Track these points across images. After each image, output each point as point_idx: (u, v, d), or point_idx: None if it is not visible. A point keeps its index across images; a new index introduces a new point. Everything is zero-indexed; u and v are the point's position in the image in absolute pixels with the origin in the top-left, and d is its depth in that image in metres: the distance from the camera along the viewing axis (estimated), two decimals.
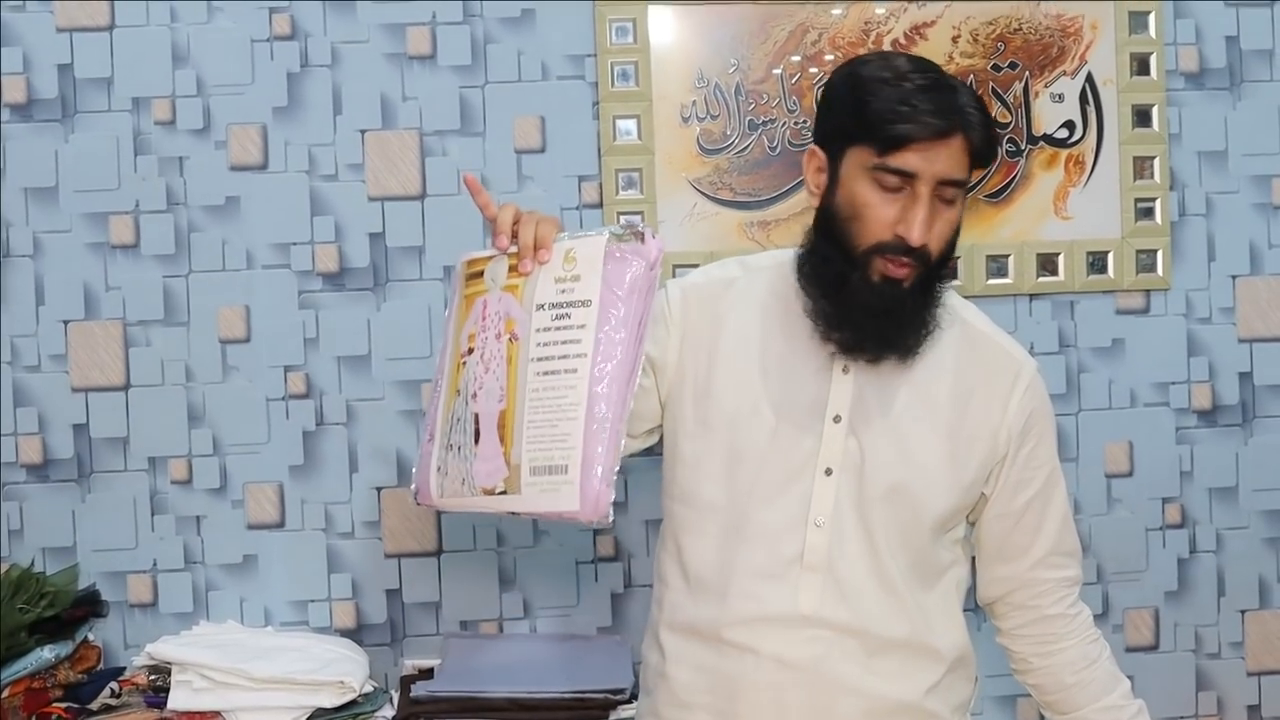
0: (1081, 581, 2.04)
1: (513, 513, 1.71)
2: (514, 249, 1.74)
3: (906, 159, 1.78)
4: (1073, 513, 2.93)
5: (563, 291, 1.69)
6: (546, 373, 1.68)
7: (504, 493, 1.68)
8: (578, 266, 1.70)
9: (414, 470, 1.81)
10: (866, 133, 1.79)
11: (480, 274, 1.75)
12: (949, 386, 1.92)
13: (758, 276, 1.98)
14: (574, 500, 1.65)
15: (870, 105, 1.79)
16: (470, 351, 1.73)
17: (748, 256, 2.07)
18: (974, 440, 1.92)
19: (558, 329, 1.69)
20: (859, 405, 1.89)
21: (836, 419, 1.88)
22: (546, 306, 1.69)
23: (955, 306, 1.97)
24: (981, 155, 1.84)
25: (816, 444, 1.88)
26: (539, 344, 1.69)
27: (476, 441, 1.70)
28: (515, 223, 1.75)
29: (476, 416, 1.70)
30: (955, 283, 2.89)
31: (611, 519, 1.67)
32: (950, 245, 1.86)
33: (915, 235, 1.78)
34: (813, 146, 1.89)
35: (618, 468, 1.67)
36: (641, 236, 1.70)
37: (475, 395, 1.71)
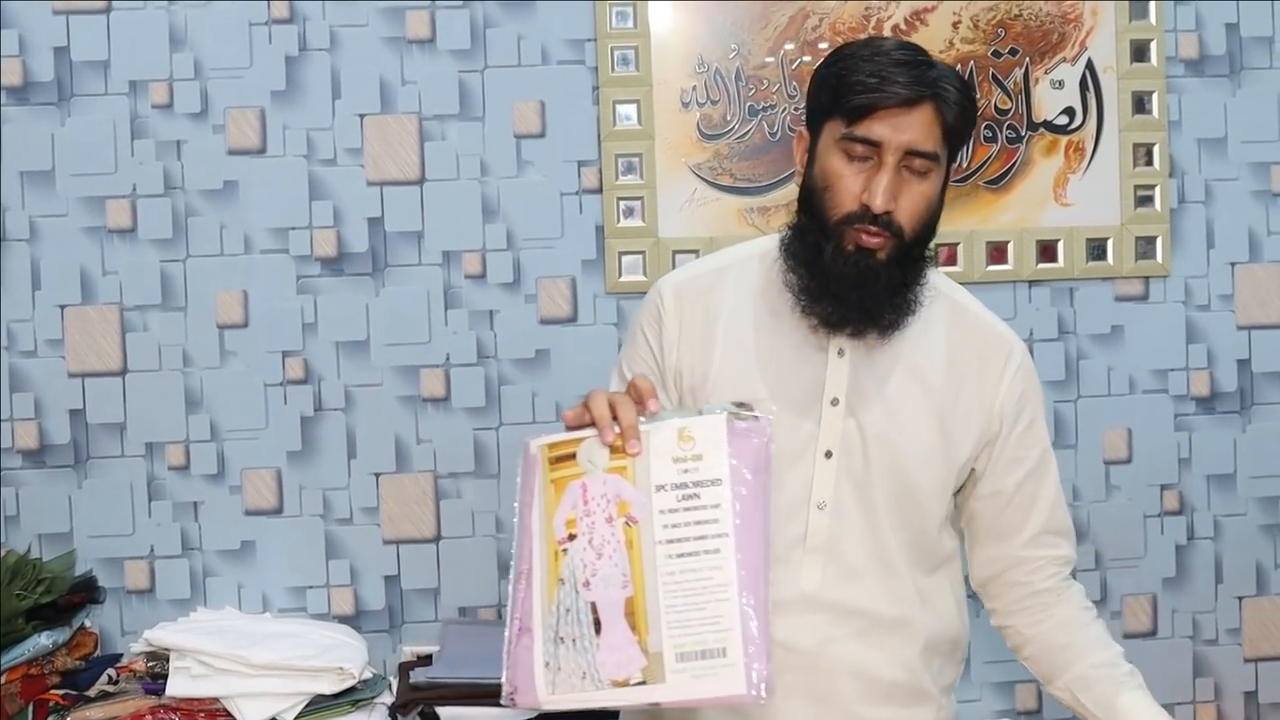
0: (1074, 563, 2.03)
1: (655, 703, 1.67)
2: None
3: (871, 127, 1.80)
4: (1069, 498, 2.94)
5: (685, 471, 1.67)
6: (682, 555, 1.65)
7: (643, 683, 1.65)
8: (697, 445, 1.67)
9: (504, 669, 1.68)
10: (838, 105, 1.83)
11: (569, 457, 1.69)
12: (942, 366, 1.94)
13: (749, 264, 1.99)
14: (738, 683, 1.62)
15: (845, 79, 1.83)
16: (572, 538, 1.67)
17: (741, 245, 2.07)
18: (968, 420, 1.93)
19: (687, 509, 1.66)
20: (855, 387, 1.90)
21: (834, 402, 1.89)
22: (669, 487, 1.67)
23: (944, 288, 1.99)
24: (955, 129, 1.85)
25: (815, 427, 1.88)
26: (666, 525, 1.66)
27: (598, 631, 1.66)
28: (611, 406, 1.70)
29: (594, 605, 1.66)
30: (954, 268, 2.92)
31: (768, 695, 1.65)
32: (927, 222, 1.87)
33: (877, 201, 1.80)
34: (801, 129, 1.93)
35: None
36: (756, 415, 1.69)
37: (588, 583, 1.66)
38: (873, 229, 1.82)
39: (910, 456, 1.89)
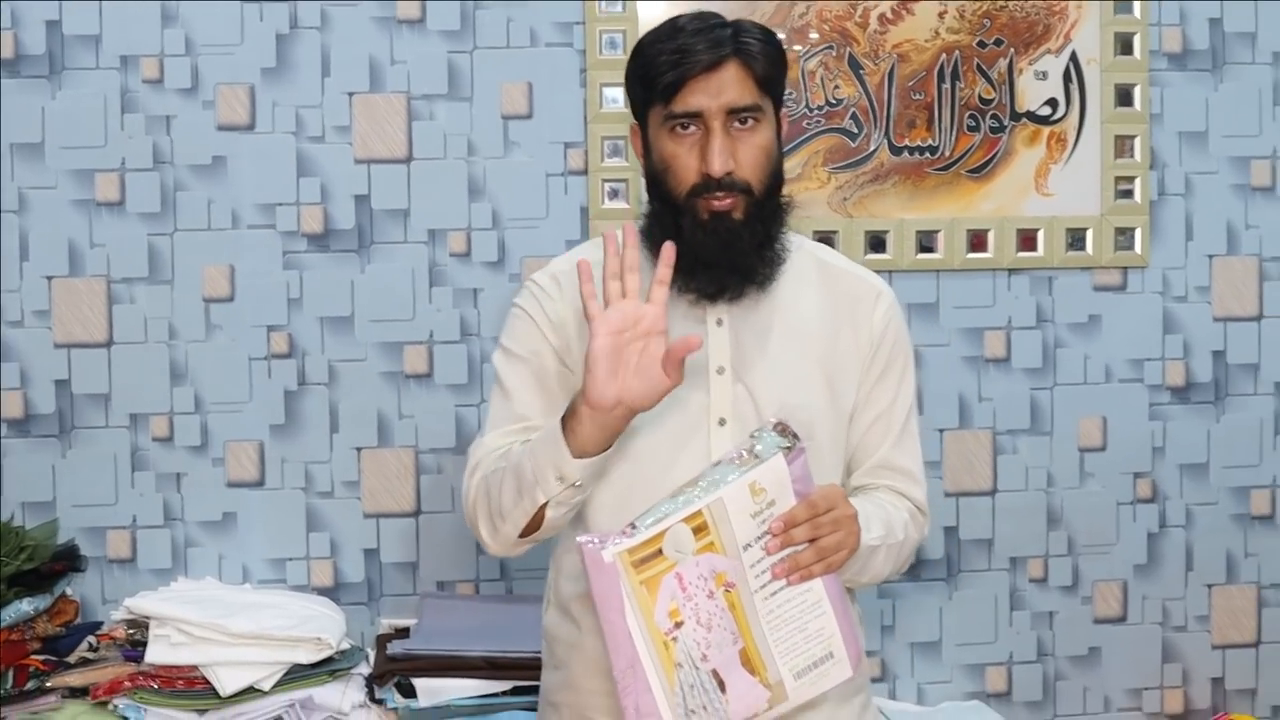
0: (920, 508, 2.04)
1: (783, 715, 1.81)
2: (682, 512, 1.75)
3: (687, 100, 1.87)
4: (1043, 484, 2.97)
5: (764, 522, 1.76)
6: (775, 593, 1.77)
7: (769, 709, 1.78)
8: (769, 493, 1.76)
9: None
10: (653, 91, 1.90)
11: (654, 555, 1.75)
12: (817, 320, 1.99)
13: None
14: (846, 669, 1.80)
15: (650, 64, 1.90)
16: (679, 625, 1.76)
17: (600, 238, 2.11)
18: (848, 366, 2.00)
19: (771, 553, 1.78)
20: (738, 353, 1.95)
21: (720, 370, 1.95)
22: (754, 543, 1.76)
23: (809, 247, 2.06)
24: (769, 78, 1.91)
25: (705, 398, 1.94)
26: (758, 574, 1.76)
27: (723, 690, 1.77)
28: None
29: (715, 671, 1.77)
30: (934, 255, 2.95)
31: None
32: (770, 171, 1.93)
33: (715, 166, 1.87)
34: (633, 123, 2.00)
35: None
36: (797, 436, 1.78)
37: (705, 657, 1.76)
38: (720, 194, 1.88)
39: (801, 412, 1.92)
